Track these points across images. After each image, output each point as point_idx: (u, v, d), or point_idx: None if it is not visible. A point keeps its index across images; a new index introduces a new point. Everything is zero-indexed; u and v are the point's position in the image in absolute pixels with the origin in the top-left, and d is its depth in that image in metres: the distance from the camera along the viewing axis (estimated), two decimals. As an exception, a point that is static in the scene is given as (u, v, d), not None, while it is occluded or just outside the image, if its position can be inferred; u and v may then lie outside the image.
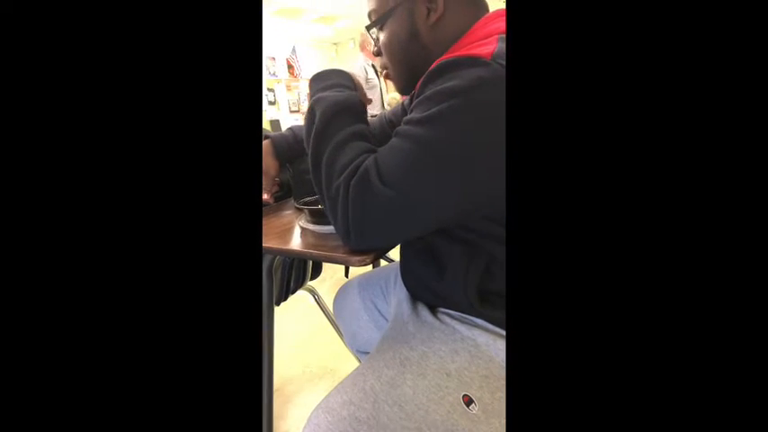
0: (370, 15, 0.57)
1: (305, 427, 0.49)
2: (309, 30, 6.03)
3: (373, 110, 3.45)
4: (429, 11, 0.53)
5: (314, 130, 0.48)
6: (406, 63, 0.55)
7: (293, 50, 6.60)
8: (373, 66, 3.46)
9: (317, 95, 0.51)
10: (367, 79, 3.38)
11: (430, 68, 0.44)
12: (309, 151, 0.48)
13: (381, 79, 3.61)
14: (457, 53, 0.44)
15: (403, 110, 0.81)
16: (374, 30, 0.57)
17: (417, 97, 0.44)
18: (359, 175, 0.41)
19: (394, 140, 0.43)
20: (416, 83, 0.49)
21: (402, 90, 0.58)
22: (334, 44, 7.43)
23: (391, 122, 0.84)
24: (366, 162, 0.43)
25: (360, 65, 3.36)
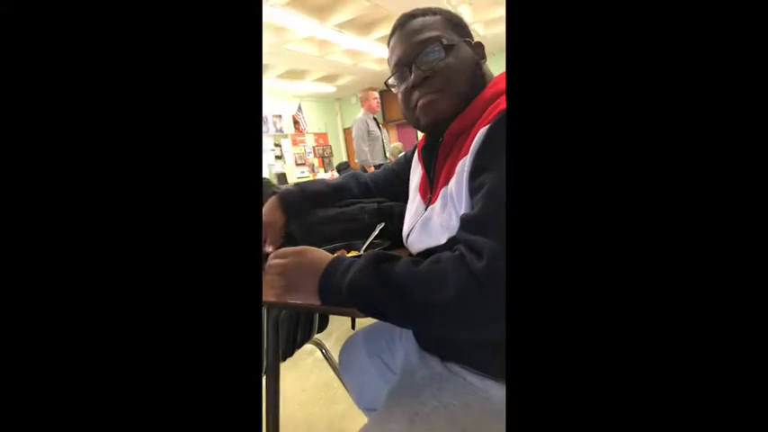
0: (424, 42, 0.57)
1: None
2: (313, 88, 6.37)
3: (376, 159, 3.56)
4: (479, 57, 0.61)
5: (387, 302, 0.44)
6: (469, 83, 0.57)
7: (299, 108, 6.94)
8: (375, 119, 3.63)
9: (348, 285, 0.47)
10: (369, 131, 3.53)
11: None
12: (405, 312, 0.44)
13: (384, 131, 3.76)
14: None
15: (405, 161, 0.83)
16: (429, 54, 0.57)
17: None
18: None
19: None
20: (467, 105, 0.54)
21: (453, 111, 0.56)
22: (337, 99, 7.81)
23: (395, 172, 0.86)
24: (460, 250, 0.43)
25: (361, 118, 3.53)
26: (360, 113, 3.60)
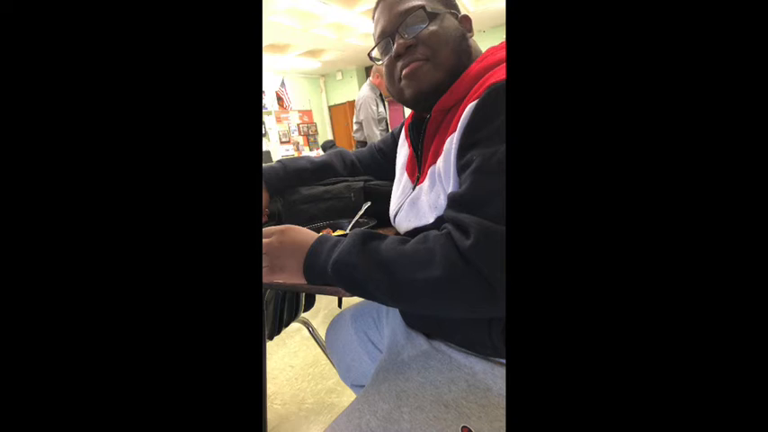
0: (407, 11, 0.55)
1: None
2: (297, 63, 6.18)
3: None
4: (466, 30, 0.59)
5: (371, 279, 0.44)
6: (456, 54, 0.55)
7: (282, 83, 6.74)
8: (381, 96, 3.29)
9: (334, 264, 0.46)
10: (378, 112, 3.22)
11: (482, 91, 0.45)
12: (388, 290, 0.43)
13: (387, 108, 3.44)
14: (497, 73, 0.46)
15: (392, 139, 0.82)
16: (413, 23, 0.55)
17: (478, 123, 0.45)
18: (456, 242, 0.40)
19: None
20: (457, 77, 0.52)
21: (439, 82, 0.54)
22: (322, 76, 7.62)
23: (381, 151, 0.85)
24: (447, 229, 0.43)
25: (369, 96, 3.11)
26: (364, 90, 3.18)
